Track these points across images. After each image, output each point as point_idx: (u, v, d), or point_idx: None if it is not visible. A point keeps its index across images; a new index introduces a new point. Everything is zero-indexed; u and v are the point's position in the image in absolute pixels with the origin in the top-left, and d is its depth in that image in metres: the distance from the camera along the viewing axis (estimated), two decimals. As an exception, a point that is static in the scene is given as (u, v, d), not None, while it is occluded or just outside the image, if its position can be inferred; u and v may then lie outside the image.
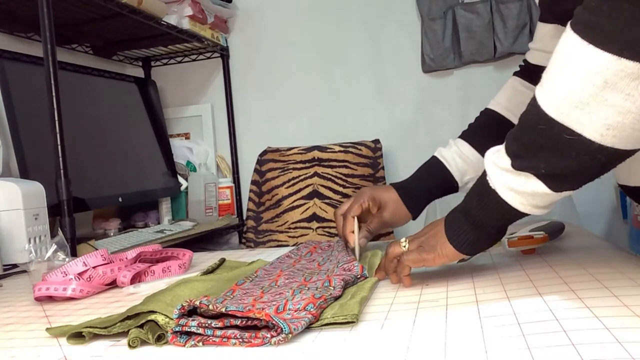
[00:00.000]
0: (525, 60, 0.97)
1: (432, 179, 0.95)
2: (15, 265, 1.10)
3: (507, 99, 0.95)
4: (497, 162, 0.61)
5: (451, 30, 1.96)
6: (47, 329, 0.63)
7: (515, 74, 0.98)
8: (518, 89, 0.95)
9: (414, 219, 0.95)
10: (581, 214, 1.78)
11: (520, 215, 0.62)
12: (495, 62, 1.97)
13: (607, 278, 0.62)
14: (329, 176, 1.90)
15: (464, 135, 0.97)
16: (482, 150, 0.91)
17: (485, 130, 0.95)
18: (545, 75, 0.56)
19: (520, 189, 0.59)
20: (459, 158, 0.94)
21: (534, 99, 0.57)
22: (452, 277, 0.73)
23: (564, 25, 0.73)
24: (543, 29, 0.89)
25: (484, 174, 0.64)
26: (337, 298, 0.64)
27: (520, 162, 0.58)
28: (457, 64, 1.98)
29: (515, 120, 0.80)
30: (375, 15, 2.06)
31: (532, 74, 0.93)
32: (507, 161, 0.60)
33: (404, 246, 0.72)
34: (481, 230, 0.66)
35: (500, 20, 1.89)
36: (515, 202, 0.61)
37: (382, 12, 2.06)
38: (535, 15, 1.87)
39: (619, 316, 0.49)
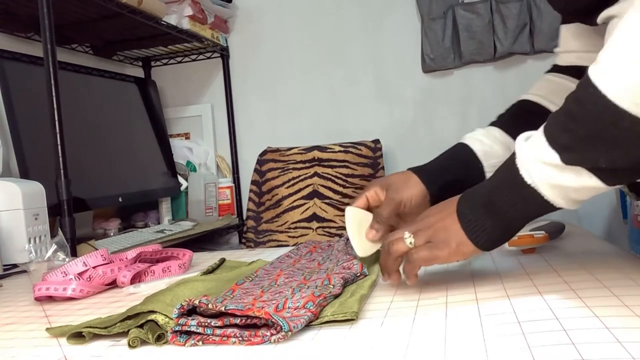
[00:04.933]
0: (554, 65, 0.91)
1: (447, 154, 0.84)
2: (15, 265, 1.10)
3: (543, 89, 0.87)
4: (537, 155, 0.56)
5: (451, 30, 1.96)
6: (47, 329, 0.63)
7: (547, 72, 0.91)
8: (553, 80, 0.87)
9: (432, 195, 0.80)
10: (581, 214, 1.78)
11: (555, 210, 0.58)
12: (495, 62, 1.97)
13: (607, 278, 0.62)
14: (329, 176, 1.90)
15: (494, 123, 0.87)
16: (511, 132, 0.83)
17: (514, 116, 0.86)
18: (608, 60, 0.50)
19: (566, 184, 0.55)
20: (484, 138, 0.84)
21: (593, 87, 0.51)
22: (452, 276, 0.73)
23: (583, 22, 0.70)
24: (564, 31, 0.85)
25: (514, 166, 0.59)
26: (336, 296, 0.64)
27: (572, 155, 0.53)
28: (457, 64, 1.98)
29: (549, 106, 0.75)
30: (375, 15, 2.06)
31: (565, 71, 0.87)
32: (553, 155, 0.55)
33: (410, 242, 0.64)
34: (507, 226, 0.61)
35: (500, 20, 1.89)
36: (557, 197, 0.57)
37: (382, 12, 2.06)
38: (536, 15, 1.87)
39: (619, 316, 0.49)
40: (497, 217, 0.61)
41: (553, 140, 0.55)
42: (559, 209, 0.58)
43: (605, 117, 0.50)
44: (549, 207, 0.58)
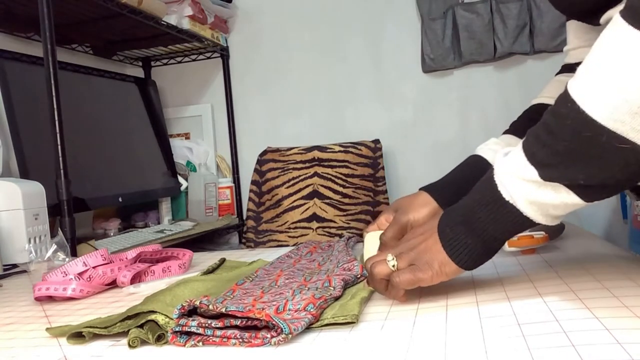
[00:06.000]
0: (563, 65, 0.89)
1: (458, 166, 0.82)
2: (15, 265, 1.10)
3: (551, 90, 0.85)
4: (516, 171, 0.55)
5: (451, 30, 1.96)
6: (47, 329, 0.63)
7: (557, 74, 0.90)
8: (563, 80, 0.84)
9: (439, 203, 0.78)
10: (581, 214, 1.78)
11: (535, 225, 0.57)
12: (495, 62, 1.97)
13: (607, 278, 0.62)
14: (329, 176, 1.90)
15: (507, 131, 0.85)
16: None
17: (526, 122, 0.83)
18: (587, 74, 0.50)
19: (544, 201, 0.54)
20: (494, 145, 0.81)
21: (571, 102, 0.50)
22: (452, 278, 0.72)
23: (586, 22, 0.69)
24: (573, 27, 0.83)
25: (492, 182, 0.58)
26: (337, 298, 0.64)
27: (550, 171, 0.52)
28: (457, 64, 1.98)
29: None
30: (375, 15, 2.06)
31: (575, 70, 0.86)
32: (531, 171, 0.54)
33: (393, 265, 0.62)
34: (488, 243, 0.60)
35: (500, 20, 1.89)
36: (536, 214, 0.56)
37: (382, 12, 2.06)
38: (536, 15, 1.87)
39: (619, 317, 0.49)
40: (477, 235, 0.59)
41: (531, 155, 0.54)
42: (538, 224, 0.57)
43: (583, 132, 0.49)
44: (528, 223, 0.57)
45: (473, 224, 0.59)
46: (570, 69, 0.87)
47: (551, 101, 0.82)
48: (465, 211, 0.60)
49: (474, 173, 0.79)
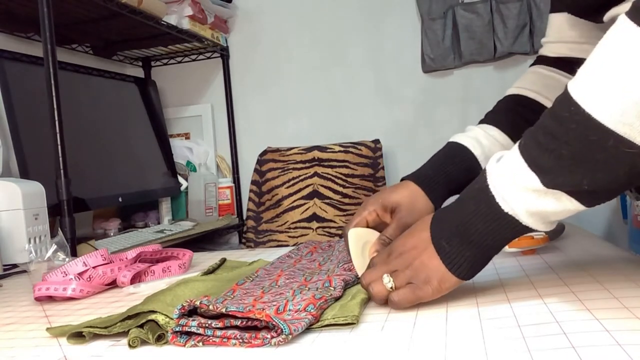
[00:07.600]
0: (539, 57, 0.86)
1: (451, 162, 0.79)
2: (15, 265, 1.10)
3: (532, 82, 0.83)
4: (514, 179, 0.53)
5: (451, 30, 1.96)
6: (47, 329, 0.63)
7: (533, 65, 0.87)
8: (543, 73, 0.84)
9: (432, 201, 0.77)
10: (581, 214, 1.77)
11: (533, 231, 0.56)
12: (495, 62, 1.97)
13: (607, 279, 0.62)
14: (329, 176, 1.90)
15: (486, 121, 0.83)
16: (511, 132, 0.80)
17: (510, 114, 0.82)
18: (590, 75, 0.48)
19: (546, 209, 0.52)
20: (484, 139, 0.80)
21: (575, 105, 0.48)
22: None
23: (589, 19, 0.68)
24: (557, 19, 0.81)
25: (488, 193, 0.55)
26: (337, 299, 0.64)
27: (553, 177, 0.51)
28: (457, 64, 1.98)
29: (546, 103, 0.67)
30: (375, 15, 2.06)
31: (552, 63, 0.83)
32: (532, 178, 0.52)
33: (390, 287, 0.60)
34: (486, 252, 0.59)
35: (500, 20, 1.89)
36: (537, 222, 0.54)
37: (382, 12, 2.06)
38: (536, 15, 1.87)
39: (619, 318, 0.49)
40: (476, 247, 0.58)
41: (532, 161, 0.52)
42: (537, 231, 0.56)
43: (589, 136, 0.48)
44: (527, 231, 0.56)
45: (470, 236, 0.57)
46: (546, 61, 0.84)
47: (535, 95, 0.82)
48: (460, 222, 0.58)
49: (461, 166, 0.78)
